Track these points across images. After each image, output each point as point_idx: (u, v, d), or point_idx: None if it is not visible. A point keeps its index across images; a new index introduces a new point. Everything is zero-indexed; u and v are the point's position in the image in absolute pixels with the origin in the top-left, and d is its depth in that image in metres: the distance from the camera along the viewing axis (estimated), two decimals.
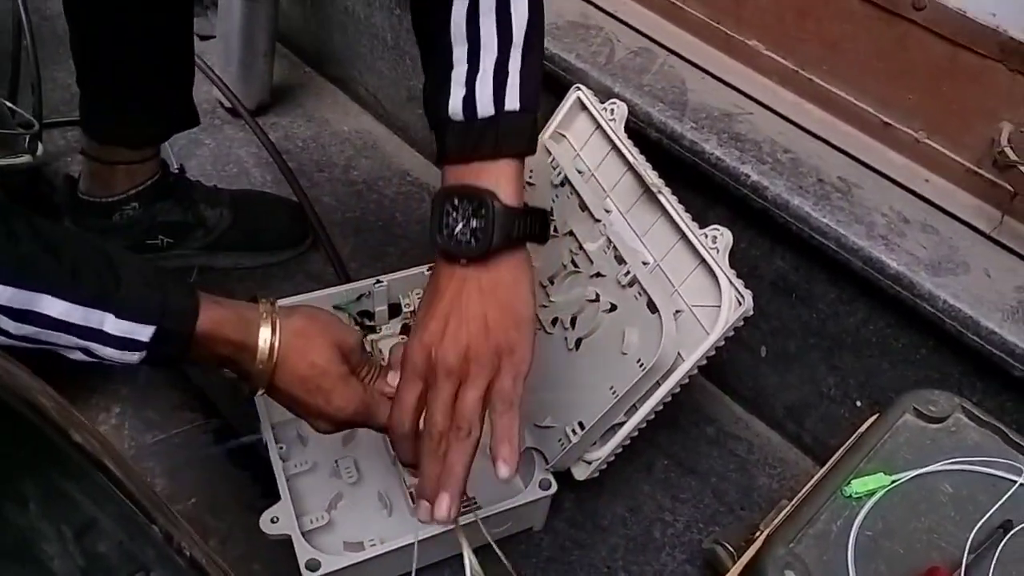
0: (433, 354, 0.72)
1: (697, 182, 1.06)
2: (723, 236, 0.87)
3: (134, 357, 0.68)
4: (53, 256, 0.64)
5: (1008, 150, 0.92)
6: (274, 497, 0.90)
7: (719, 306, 0.84)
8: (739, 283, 0.84)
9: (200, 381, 1.26)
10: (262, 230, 1.26)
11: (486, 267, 0.72)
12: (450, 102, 0.73)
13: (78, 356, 0.67)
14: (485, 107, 0.72)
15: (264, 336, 0.73)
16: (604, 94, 1.08)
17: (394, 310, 1.14)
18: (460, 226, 0.72)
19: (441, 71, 0.74)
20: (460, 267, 0.73)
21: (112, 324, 0.66)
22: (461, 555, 0.95)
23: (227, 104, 1.48)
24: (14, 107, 1.26)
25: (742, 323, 0.85)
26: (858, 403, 1.06)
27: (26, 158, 1.21)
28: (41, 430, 0.51)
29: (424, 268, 1.15)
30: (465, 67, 0.73)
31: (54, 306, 0.64)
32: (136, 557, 0.59)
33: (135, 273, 0.68)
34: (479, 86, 0.73)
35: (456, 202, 0.72)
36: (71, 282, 0.64)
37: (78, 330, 0.65)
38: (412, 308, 1.14)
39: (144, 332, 0.67)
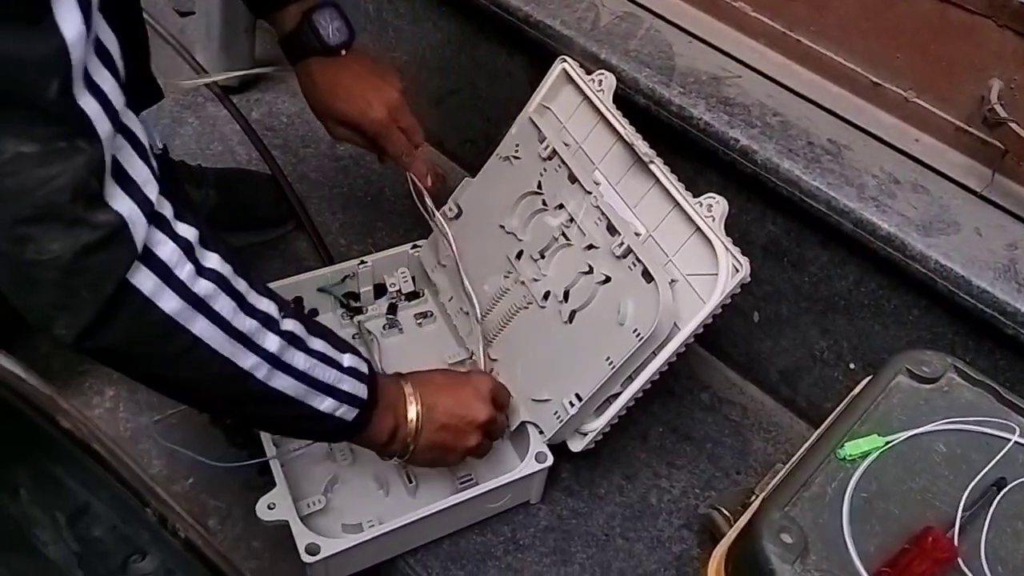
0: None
1: (686, 148, 1.05)
2: (719, 204, 0.86)
3: (352, 414, 0.78)
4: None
5: (998, 107, 0.92)
6: (271, 475, 0.90)
7: (716, 274, 0.84)
8: (736, 250, 0.84)
9: None
10: (248, 209, 1.25)
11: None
12: None
13: (327, 404, 0.76)
14: None
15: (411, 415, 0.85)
16: (590, 61, 1.07)
17: (379, 290, 1.14)
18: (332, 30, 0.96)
19: None
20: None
21: (349, 360, 0.77)
22: (457, 532, 0.96)
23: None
24: None
25: (739, 290, 0.84)
26: (851, 365, 1.06)
27: None
28: (29, 417, 0.51)
29: (408, 246, 1.14)
30: None
31: (318, 343, 0.75)
32: (131, 540, 0.59)
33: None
34: None
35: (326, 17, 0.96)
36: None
37: (333, 363, 0.75)
38: (398, 288, 1.14)
39: (362, 389, 0.79)
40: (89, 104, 0.55)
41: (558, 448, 0.96)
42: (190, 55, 1.46)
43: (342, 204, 1.35)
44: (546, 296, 0.98)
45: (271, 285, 1.06)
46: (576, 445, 0.95)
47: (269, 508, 0.87)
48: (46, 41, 0.51)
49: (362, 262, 1.10)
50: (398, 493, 0.97)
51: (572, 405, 0.91)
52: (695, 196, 0.88)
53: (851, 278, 1.01)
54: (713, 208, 0.87)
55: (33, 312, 0.60)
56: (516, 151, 1.03)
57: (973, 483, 0.73)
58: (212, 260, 0.65)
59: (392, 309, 1.14)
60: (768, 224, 1.05)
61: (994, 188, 0.96)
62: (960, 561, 0.68)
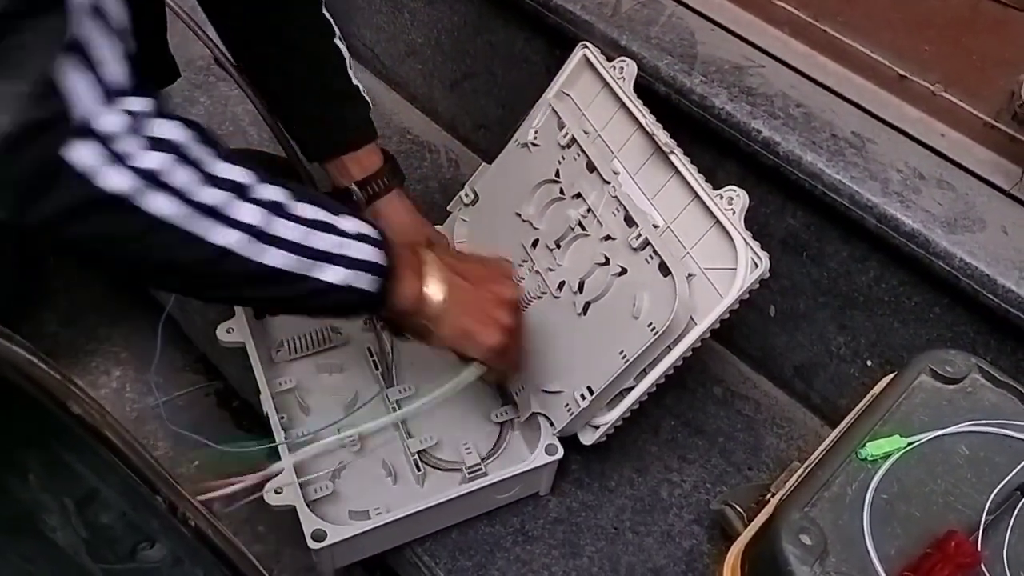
0: None
1: (706, 138, 1.03)
2: (739, 197, 0.84)
3: (375, 284, 0.72)
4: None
5: None
6: (279, 459, 0.89)
7: (734, 268, 0.82)
8: (755, 245, 0.82)
9: (201, 344, 1.25)
10: None
11: None
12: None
13: (335, 274, 0.69)
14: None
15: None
16: (610, 47, 1.05)
17: None
18: None
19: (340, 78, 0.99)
20: None
21: (350, 224, 0.71)
22: (466, 522, 0.95)
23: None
24: None
25: (757, 286, 0.83)
26: (869, 362, 1.04)
27: None
28: (40, 402, 0.50)
29: None
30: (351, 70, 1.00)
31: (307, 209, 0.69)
32: (140, 528, 0.58)
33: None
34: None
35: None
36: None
37: (332, 229, 0.69)
38: None
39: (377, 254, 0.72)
40: None
41: (569, 440, 0.95)
42: (203, 32, 1.44)
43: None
44: (561, 286, 0.97)
45: None
46: (587, 438, 0.94)
47: (276, 493, 0.86)
48: None
49: None
50: (406, 481, 0.95)
51: (583, 398, 0.90)
52: (715, 187, 0.87)
53: (872, 274, 0.99)
54: (733, 201, 0.85)
55: None
56: (534, 138, 1.01)
57: (997, 487, 0.71)
58: (166, 129, 0.61)
59: None
60: (788, 217, 1.04)
61: (1023, 186, 0.94)
62: (983, 567, 0.67)
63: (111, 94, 0.58)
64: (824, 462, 0.75)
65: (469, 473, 0.94)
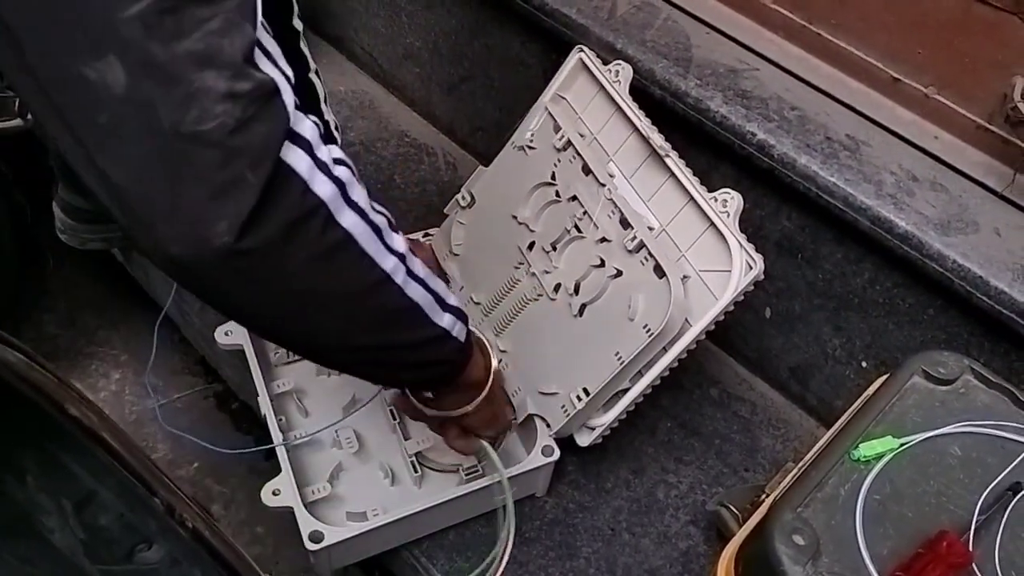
0: None
1: (701, 141, 1.04)
2: (733, 200, 0.85)
3: (464, 333, 0.73)
4: None
5: (1021, 105, 0.90)
6: (276, 461, 0.89)
7: (728, 271, 0.83)
8: (750, 247, 0.83)
9: (200, 346, 1.25)
10: None
11: None
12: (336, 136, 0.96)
13: (446, 320, 0.70)
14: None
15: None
16: (605, 50, 1.05)
17: None
18: None
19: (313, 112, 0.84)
20: None
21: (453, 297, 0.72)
22: (463, 523, 0.96)
23: None
24: None
25: (752, 288, 0.83)
26: (864, 364, 1.05)
27: (17, 121, 1.19)
28: (38, 405, 0.50)
29: (419, 235, 1.13)
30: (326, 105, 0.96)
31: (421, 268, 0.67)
32: (138, 529, 0.59)
33: None
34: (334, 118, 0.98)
35: None
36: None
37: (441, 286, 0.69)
38: None
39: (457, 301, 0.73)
40: None
41: (565, 441, 0.95)
42: None
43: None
44: (557, 288, 0.97)
45: None
46: (583, 440, 0.94)
47: (274, 494, 0.86)
48: None
49: None
50: (404, 483, 0.96)
51: (579, 400, 0.90)
52: (710, 190, 0.87)
53: (866, 276, 1.00)
54: (728, 203, 0.86)
55: (181, 217, 0.50)
56: (531, 141, 1.02)
57: (989, 487, 0.72)
58: (335, 148, 0.58)
59: None
60: (783, 219, 1.04)
61: (1015, 188, 0.94)
62: (974, 566, 0.67)
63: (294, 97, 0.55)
64: (817, 463, 0.75)
65: (466, 475, 0.94)
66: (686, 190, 0.88)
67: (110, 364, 1.29)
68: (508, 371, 0.99)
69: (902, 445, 0.75)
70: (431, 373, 0.75)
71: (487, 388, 0.84)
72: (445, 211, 1.11)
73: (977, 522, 0.70)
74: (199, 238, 0.50)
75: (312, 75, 0.94)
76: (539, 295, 0.99)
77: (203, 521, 0.57)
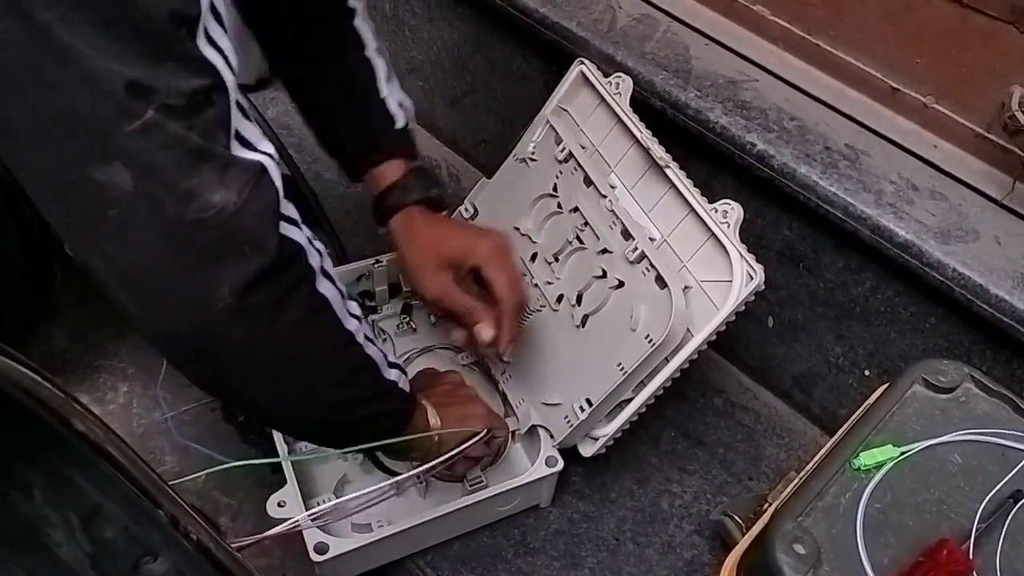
0: None
1: (702, 152, 1.04)
2: (734, 211, 0.86)
3: (407, 384, 0.80)
4: None
5: (1019, 114, 0.91)
6: (283, 473, 0.90)
7: (730, 281, 0.83)
8: (750, 257, 0.83)
9: None
10: None
11: None
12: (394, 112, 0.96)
13: (392, 373, 0.77)
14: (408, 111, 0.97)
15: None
16: (606, 63, 1.06)
17: (394, 290, 1.14)
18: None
19: (366, 91, 0.95)
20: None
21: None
22: (467, 534, 0.96)
23: None
24: None
25: (752, 298, 0.84)
26: (866, 372, 1.05)
27: None
28: (43, 419, 0.51)
29: None
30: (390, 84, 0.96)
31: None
32: (143, 542, 0.59)
33: None
34: (401, 96, 0.97)
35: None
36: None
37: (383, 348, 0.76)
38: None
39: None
40: (213, 56, 0.56)
41: (570, 451, 0.96)
42: None
43: (356, 203, 1.35)
44: (559, 299, 0.98)
45: None
46: (587, 450, 0.95)
47: (279, 506, 0.87)
48: None
49: (377, 261, 1.10)
50: (408, 494, 0.96)
51: (582, 410, 0.91)
52: (710, 201, 0.88)
53: (867, 284, 1.00)
54: (728, 214, 0.86)
55: (186, 287, 0.57)
56: (532, 153, 1.02)
57: (989, 495, 0.72)
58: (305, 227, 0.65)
59: (407, 309, 1.14)
60: (784, 229, 1.05)
61: (1015, 196, 0.94)
62: (975, 574, 0.67)
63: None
64: (818, 472, 0.76)
65: (470, 485, 0.95)
66: (687, 201, 0.89)
67: (118, 377, 1.29)
68: (511, 382, 1.00)
69: (903, 454, 0.76)
70: (385, 425, 0.80)
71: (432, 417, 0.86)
72: None
73: (978, 530, 0.70)
74: (202, 302, 0.57)
75: (371, 53, 0.96)
76: (542, 306, 1.00)
77: (207, 533, 0.58)
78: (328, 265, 0.67)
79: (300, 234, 0.63)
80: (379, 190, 0.97)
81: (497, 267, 0.91)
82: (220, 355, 0.62)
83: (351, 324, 0.69)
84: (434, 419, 0.85)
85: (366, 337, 0.72)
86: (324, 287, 0.65)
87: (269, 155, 0.60)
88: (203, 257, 0.56)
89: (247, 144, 0.60)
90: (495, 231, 0.96)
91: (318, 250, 0.66)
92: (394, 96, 0.97)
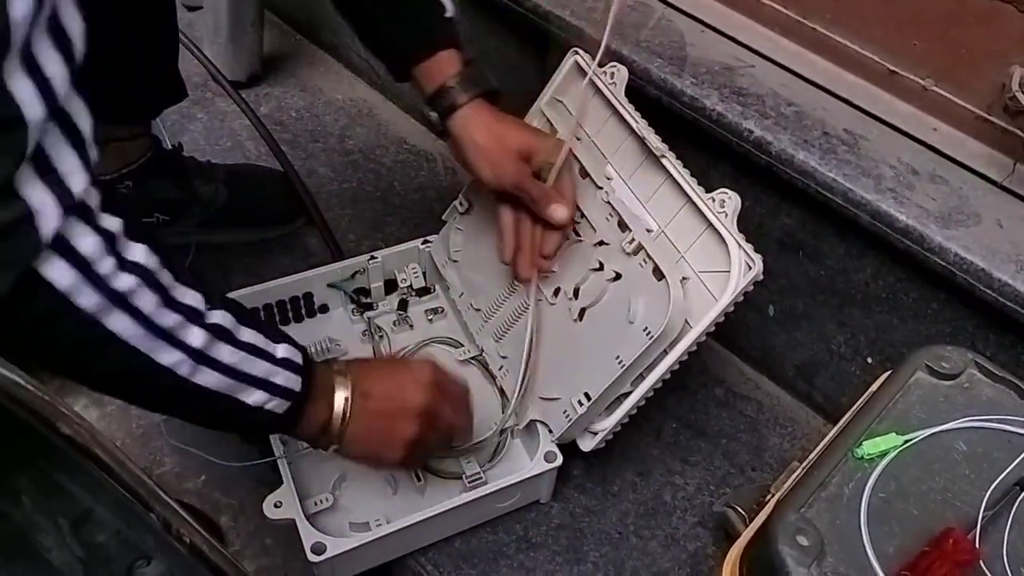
0: None
1: (698, 140, 1.03)
2: (731, 200, 0.84)
3: (283, 407, 0.75)
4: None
5: (1019, 95, 0.89)
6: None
7: (728, 271, 0.82)
8: (749, 247, 0.82)
9: None
10: (258, 205, 1.24)
11: None
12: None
13: (256, 397, 0.72)
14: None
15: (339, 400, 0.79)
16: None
17: (390, 286, 1.13)
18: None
19: None
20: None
21: (283, 350, 0.74)
22: (468, 530, 0.95)
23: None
24: None
25: (752, 288, 0.83)
26: (869, 359, 1.04)
27: None
28: (29, 424, 0.50)
29: (419, 242, 1.13)
30: None
31: (248, 334, 0.71)
32: (136, 545, 0.59)
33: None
34: None
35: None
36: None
37: (265, 355, 0.72)
38: (408, 283, 1.12)
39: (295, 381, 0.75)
40: (22, 87, 0.51)
41: (570, 445, 0.95)
42: (198, 50, 1.45)
43: (352, 199, 1.34)
44: (556, 293, 0.97)
45: (281, 281, 1.06)
46: (586, 444, 0.94)
47: (276, 506, 0.86)
48: None
49: (372, 257, 1.09)
50: (407, 492, 0.96)
51: (581, 404, 0.90)
52: (708, 189, 0.87)
53: (868, 271, 0.99)
54: (726, 203, 0.85)
55: None
56: None
57: (995, 483, 0.71)
58: (137, 252, 0.62)
59: (403, 305, 1.13)
60: (783, 216, 1.03)
61: (1016, 178, 0.93)
62: (981, 563, 0.66)
63: (85, 209, 0.58)
64: (821, 462, 0.75)
65: (469, 482, 0.94)
66: (684, 191, 0.87)
67: None
68: (508, 377, 0.99)
69: (906, 442, 0.75)
70: (247, 431, 0.80)
71: (343, 425, 0.80)
72: (443, 217, 1.11)
73: (983, 518, 0.69)
74: None
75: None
76: (538, 300, 0.99)
77: (201, 535, 0.57)
78: (145, 300, 0.62)
79: (73, 275, 0.58)
80: (434, 87, 0.90)
81: (565, 168, 0.91)
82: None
83: (169, 357, 0.65)
84: (341, 396, 0.79)
85: (208, 364, 0.68)
86: (117, 323, 0.61)
87: (62, 198, 0.56)
88: None
89: (48, 174, 0.55)
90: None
91: (112, 290, 0.61)
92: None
